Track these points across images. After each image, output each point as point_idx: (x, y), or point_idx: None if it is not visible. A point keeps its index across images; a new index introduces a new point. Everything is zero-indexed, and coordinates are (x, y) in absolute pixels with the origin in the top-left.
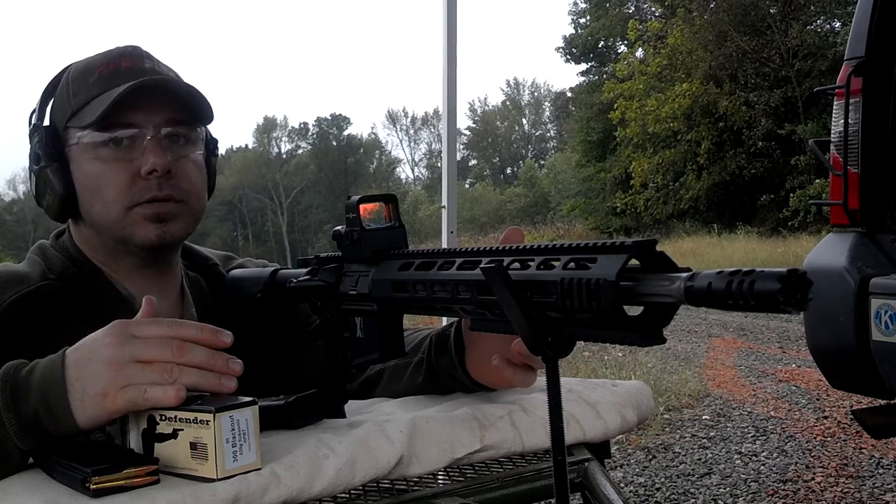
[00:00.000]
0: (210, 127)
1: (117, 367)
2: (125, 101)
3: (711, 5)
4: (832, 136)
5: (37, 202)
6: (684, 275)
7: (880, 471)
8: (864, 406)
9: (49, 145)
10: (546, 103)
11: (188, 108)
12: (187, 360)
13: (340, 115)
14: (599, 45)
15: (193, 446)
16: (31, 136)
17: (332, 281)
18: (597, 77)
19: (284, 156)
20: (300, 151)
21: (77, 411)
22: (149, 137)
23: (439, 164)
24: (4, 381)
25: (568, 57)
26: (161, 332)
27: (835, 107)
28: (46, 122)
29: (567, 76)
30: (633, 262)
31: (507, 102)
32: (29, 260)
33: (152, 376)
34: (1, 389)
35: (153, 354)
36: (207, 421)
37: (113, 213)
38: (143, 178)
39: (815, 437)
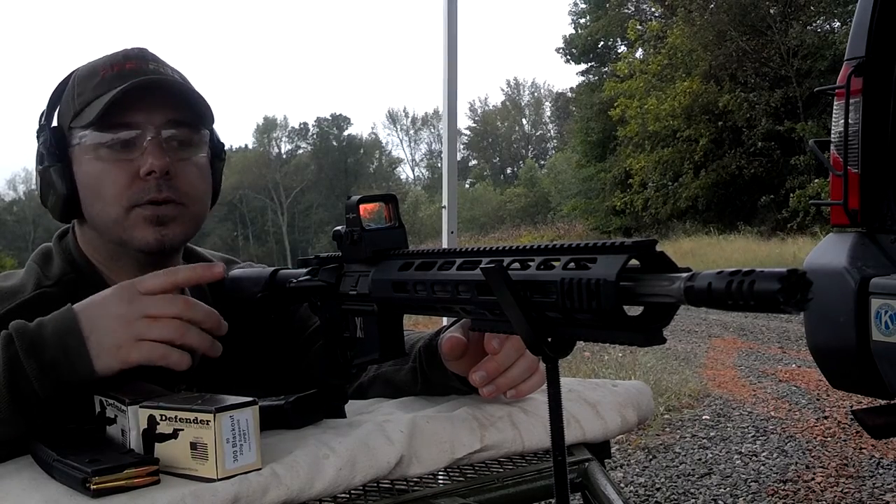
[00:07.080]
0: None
1: (128, 322)
2: (124, 100)
3: (711, 5)
4: (832, 136)
5: (41, 202)
6: (684, 275)
7: (880, 471)
8: (864, 406)
9: (53, 146)
10: (546, 103)
11: (189, 110)
12: (192, 315)
13: (340, 115)
14: (599, 45)
15: (194, 446)
16: (37, 137)
17: (332, 281)
18: (597, 77)
19: (284, 156)
20: (300, 151)
21: (95, 358)
22: (149, 138)
23: (439, 165)
24: (19, 333)
25: (568, 57)
26: (162, 280)
27: (835, 107)
28: (53, 124)
29: (567, 76)
30: (633, 262)
31: (507, 102)
32: (27, 269)
33: (162, 332)
34: (18, 339)
35: (161, 310)
36: (207, 421)
37: (113, 213)
38: (142, 179)
39: (815, 437)
